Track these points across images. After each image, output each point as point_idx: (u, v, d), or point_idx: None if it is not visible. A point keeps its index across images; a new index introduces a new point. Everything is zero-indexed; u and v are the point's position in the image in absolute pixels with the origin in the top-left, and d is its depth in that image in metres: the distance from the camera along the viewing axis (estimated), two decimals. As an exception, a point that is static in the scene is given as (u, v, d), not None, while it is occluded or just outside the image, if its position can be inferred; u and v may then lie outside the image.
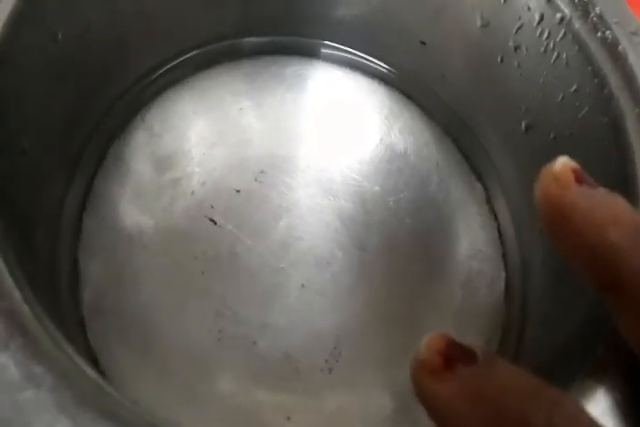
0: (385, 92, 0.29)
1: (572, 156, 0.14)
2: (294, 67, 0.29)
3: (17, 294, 0.14)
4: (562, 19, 0.21)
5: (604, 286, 0.13)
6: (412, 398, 0.12)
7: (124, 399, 0.14)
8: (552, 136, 0.22)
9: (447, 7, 0.25)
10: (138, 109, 0.26)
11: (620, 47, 0.20)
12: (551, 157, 0.14)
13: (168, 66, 0.27)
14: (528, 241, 0.25)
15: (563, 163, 0.13)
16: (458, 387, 0.12)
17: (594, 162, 0.20)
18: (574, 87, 0.21)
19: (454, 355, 0.12)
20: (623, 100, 0.19)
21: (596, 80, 0.20)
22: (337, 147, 0.27)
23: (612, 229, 0.13)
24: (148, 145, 0.26)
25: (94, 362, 0.22)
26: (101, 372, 0.22)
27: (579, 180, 0.13)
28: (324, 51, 0.29)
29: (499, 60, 0.24)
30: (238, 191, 0.26)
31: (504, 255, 0.26)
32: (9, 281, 0.14)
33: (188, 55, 0.27)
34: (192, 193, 0.25)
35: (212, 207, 0.25)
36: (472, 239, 0.27)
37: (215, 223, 0.25)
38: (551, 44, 0.21)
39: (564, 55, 0.21)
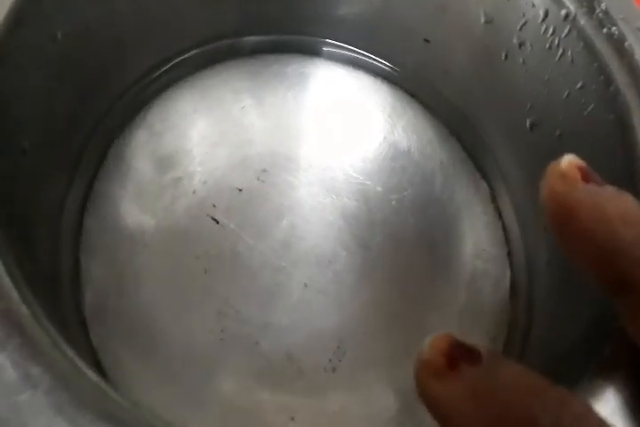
0: (388, 90, 0.29)
1: (578, 153, 0.14)
2: (296, 65, 0.29)
3: (15, 294, 0.14)
4: (567, 15, 0.21)
5: (610, 284, 0.13)
6: (416, 399, 0.12)
7: (124, 401, 0.13)
8: (557, 134, 0.22)
9: (450, 4, 0.24)
10: (139, 109, 0.26)
11: (626, 43, 0.20)
12: (556, 155, 0.14)
13: (169, 65, 0.27)
14: (533, 240, 0.25)
15: (569, 160, 0.13)
16: (462, 387, 0.12)
17: (600, 159, 0.19)
18: (580, 84, 0.21)
19: (458, 355, 0.12)
20: (629, 97, 0.19)
21: (602, 77, 0.20)
22: (339, 145, 0.27)
23: (620, 227, 0.12)
24: (149, 144, 0.26)
25: (97, 363, 0.22)
26: (104, 372, 0.22)
27: (585, 177, 0.13)
28: (326, 49, 0.29)
29: (503, 57, 0.24)
30: (240, 190, 0.25)
31: (509, 254, 0.26)
32: (6, 281, 0.14)
33: (188, 54, 0.27)
34: (194, 192, 0.25)
35: (214, 206, 0.25)
36: (477, 238, 0.26)
37: (217, 222, 0.25)
38: (556, 41, 0.21)
39: (570, 52, 0.21)
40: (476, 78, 0.26)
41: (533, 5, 0.22)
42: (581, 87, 0.21)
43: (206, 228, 0.24)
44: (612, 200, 0.13)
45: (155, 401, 0.22)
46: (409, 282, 0.25)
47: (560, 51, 0.21)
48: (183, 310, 0.23)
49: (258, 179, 0.26)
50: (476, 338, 0.24)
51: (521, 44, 0.23)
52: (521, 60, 0.23)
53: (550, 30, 0.21)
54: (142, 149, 0.26)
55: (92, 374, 0.13)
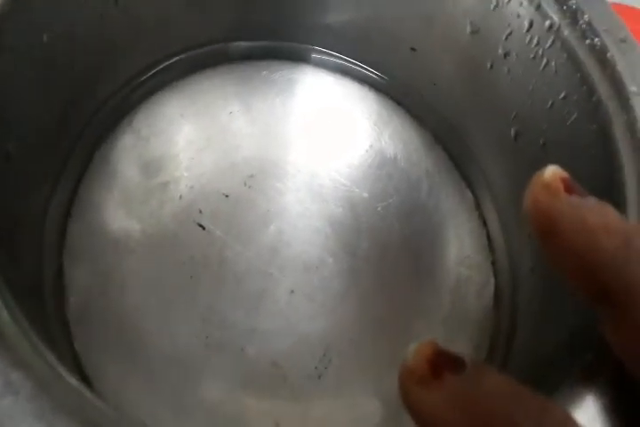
0: (375, 97, 0.29)
1: (562, 162, 0.14)
2: (284, 71, 0.29)
3: (-4, 300, 0.13)
4: (551, 26, 0.21)
5: (591, 293, 0.13)
6: (401, 406, 0.12)
7: (106, 407, 0.13)
8: (541, 143, 0.22)
9: (437, 14, 0.25)
10: (125, 113, 0.26)
11: (608, 54, 0.20)
12: (541, 163, 0.14)
13: (156, 69, 0.27)
14: (517, 248, 0.25)
15: (552, 171, 0.13)
16: (445, 395, 0.12)
17: (582, 169, 0.20)
18: (563, 94, 0.21)
19: (442, 363, 0.12)
20: (612, 108, 0.19)
21: (585, 87, 0.20)
22: (327, 152, 0.27)
23: (602, 237, 0.13)
24: (136, 149, 0.26)
25: (80, 369, 0.22)
26: (87, 379, 0.21)
27: (568, 189, 0.13)
28: (314, 56, 0.29)
29: (488, 66, 0.24)
30: (227, 196, 0.25)
31: (493, 262, 0.27)
32: (-13, 287, 0.14)
33: (176, 58, 0.27)
34: (180, 197, 0.25)
35: (201, 212, 0.25)
36: (461, 246, 0.27)
37: (203, 228, 0.25)
38: (540, 51, 0.22)
39: (553, 62, 0.21)
40: (462, 87, 0.26)
41: (518, 16, 0.22)
42: (564, 97, 0.21)
43: (192, 233, 0.24)
44: (594, 211, 0.13)
45: (138, 407, 0.21)
46: (394, 289, 0.25)
47: (544, 61, 0.22)
48: (168, 316, 0.23)
49: (245, 184, 0.26)
50: (461, 344, 0.25)
51: (506, 54, 0.23)
52: (506, 69, 0.23)
53: (535, 41, 0.22)
54: (129, 154, 0.25)
55: (73, 380, 0.13)
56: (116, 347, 0.22)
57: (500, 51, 0.23)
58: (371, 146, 0.28)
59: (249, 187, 0.26)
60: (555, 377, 0.16)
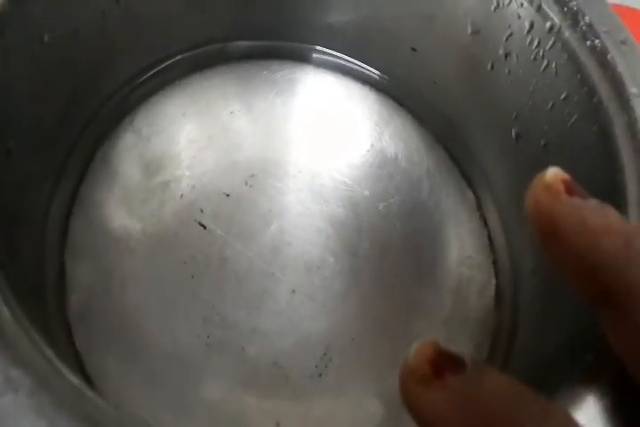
0: (376, 97, 0.29)
1: (562, 163, 0.14)
2: (285, 71, 0.29)
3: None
4: (551, 27, 0.21)
5: (592, 295, 0.13)
6: (401, 405, 0.12)
7: (106, 405, 0.13)
8: (542, 143, 0.22)
9: (438, 14, 0.25)
10: (126, 112, 0.26)
11: (609, 56, 0.20)
12: (541, 164, 0.14)
13: (158, 68, 0.27)
14: (518, 248, 0.25)
15: (554, 173, 0.13)
16: (446, 395, 0.12)
17: (583, 170, 0.20)
18: (564, 95, 0.21)
19: (443, 363, 0.12)
20: (612, 109, 0.19)
21: (586, 88, 0.20)
22: (328, 152, 0.27)
23: (603, 239, 0.13)
24: (137, 148, 0.26)
25: (81, 366, 0.22)
26: (88, 377, 0.22)
27: (569, 190, 0.13)
28: (315, 56, 0.29)
29: (489, 67, 0.24)
30: (228, 195, 0.25)
31: (494, 262, 0.27)
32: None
33: (177, 58, 0.27)
34: (181, 197, 0.25)
35: (202, 211, 0.25)
36: (462, 246, 0.27)
37: (204, 227, 0.25)
38: (541, 53, 0.22)
39: (554, 63, 0.21)
40: (463, 88, 0.26)
41: (519, 17, 0.22)
42: (565, 98, 0.21)
43: (194, 233, 0.24)
44: (595, 213, 0.13)
45: (139, 406, 0.21)
46: (395, 288, 0.25)
47: (545, 62, 0.22)
48: (169, 315, 0.23)
49: (246, 184, 0.26)
50: (462, 344, 0.25)
51: (507, 55, 0.23)
52: (507, 70, 0.23)
53: (535, 42, 0.22)
54: (130, 153, 0.25)
55: (72, 377, 0.13)
56: (116, 345, 0.22)
57: (501, 51, 0.23)
58: (372, 145, 0.28)
59: (250, 186, 0.26)
60: (556, 378, 0.16)
